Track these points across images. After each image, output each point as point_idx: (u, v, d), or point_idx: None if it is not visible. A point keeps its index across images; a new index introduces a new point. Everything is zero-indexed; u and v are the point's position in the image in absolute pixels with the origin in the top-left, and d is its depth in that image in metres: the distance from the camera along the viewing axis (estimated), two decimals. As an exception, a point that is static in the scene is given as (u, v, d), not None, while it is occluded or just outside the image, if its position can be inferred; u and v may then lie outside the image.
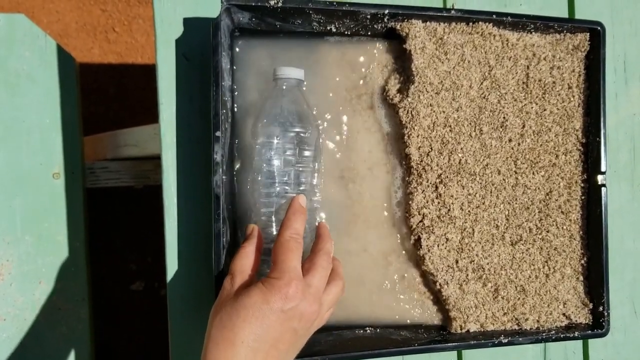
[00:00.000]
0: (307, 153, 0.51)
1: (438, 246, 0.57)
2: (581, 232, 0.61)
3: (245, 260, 0.47)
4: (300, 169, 0.51)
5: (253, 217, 0.52)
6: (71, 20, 1.35)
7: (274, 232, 0.50)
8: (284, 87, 0.52)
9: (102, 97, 1.34)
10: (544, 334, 0.57)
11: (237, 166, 0.55)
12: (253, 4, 0.50)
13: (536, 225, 0.59)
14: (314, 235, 0.51)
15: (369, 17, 0.54)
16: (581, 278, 0.61)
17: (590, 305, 0.60)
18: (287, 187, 0.51)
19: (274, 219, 0.51)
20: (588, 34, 0.60)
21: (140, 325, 1.30)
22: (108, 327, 1.25)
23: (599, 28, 0.59)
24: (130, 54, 1.36)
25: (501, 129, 0.58)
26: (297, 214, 0.48)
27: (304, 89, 0.55)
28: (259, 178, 0.51)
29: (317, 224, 0.53)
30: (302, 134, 0.51)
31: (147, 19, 1.37)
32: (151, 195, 1.28)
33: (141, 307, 1.31)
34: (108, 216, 1.30)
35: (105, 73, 1.35)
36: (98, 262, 1.21)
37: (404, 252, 0.58)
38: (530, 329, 0.59)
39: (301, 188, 0.51)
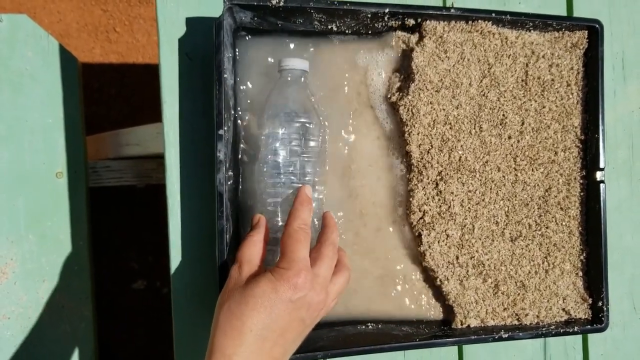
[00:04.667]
0: (312, 143, 0.52)
1: (438, 242, 0.57)
2: (580, 228, 0.61)
3: (253, 249, 0.47)
4: (306, 159, 0.52)
5: (259, 207, 0.53)
6: (72, 21, 1.35)
7: (280, 222, 0.51)
8: (289, 78, 0.52)
9: (103, 96, 1.35)
10: (543, 329, 0.58)
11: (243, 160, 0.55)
12: (255, 4, 0.51)
13: (535, 222, 0.60)
14: (319, 225, 0.52)
15: (369, 16, 0.54)
16: (580, 274, 0.61)
17: (590, 301, 0.61)
18: (293, 178, 0.51)
19: (279, 209, 0.51)
20: (586, 31, 0.60)
21: (142, 324, 1.30)
22: (110, 325, 1.26)
23: (597, 26, 0.60)
24: (131, 53, 1.37)
25: (501, 127, 0.59)
26: (304, 205, 0.48)
27: (309, 80, 0.55)
28: (265, 169, 0.51)
29: (322, 213, 0.53)
30: (307, 125, 0.51)
31: (148, 18, 1.38)
32: (153, 194, 1.29)
33: (143, 306, 1.31)
34: (111, 215, 1.30)
35: (107, 73, 1.36)
36: (100, 261, 1.21)
37: (404, 248, 0.59)
38: (530, 324, 0.59)
39: (307, 178, 0.52)
